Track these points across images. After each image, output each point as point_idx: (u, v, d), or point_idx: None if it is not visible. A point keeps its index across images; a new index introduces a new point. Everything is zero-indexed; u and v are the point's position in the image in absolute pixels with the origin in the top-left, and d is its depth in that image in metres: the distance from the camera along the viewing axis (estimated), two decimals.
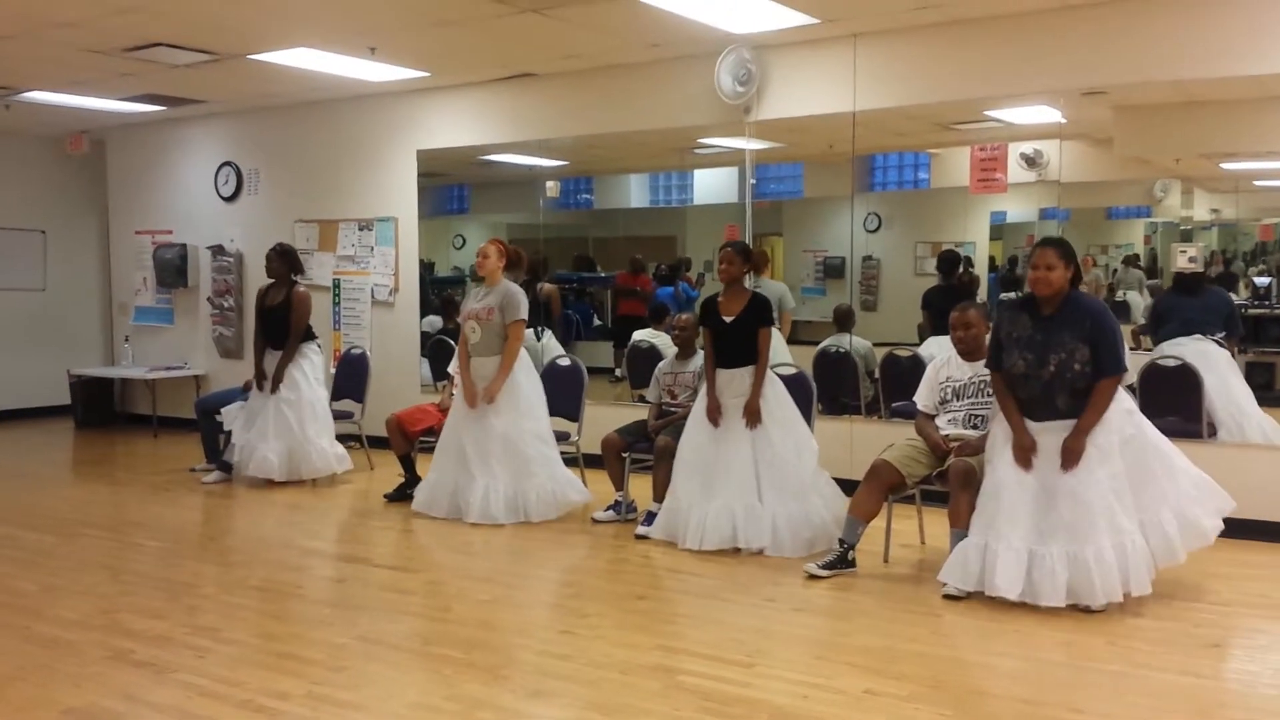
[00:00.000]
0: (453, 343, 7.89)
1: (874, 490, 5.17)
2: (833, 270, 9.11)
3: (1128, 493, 4.60)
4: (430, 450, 7.03)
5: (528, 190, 9.00)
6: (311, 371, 7.58)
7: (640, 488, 6.45)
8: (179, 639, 4.39)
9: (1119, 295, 7.91)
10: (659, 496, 6.08)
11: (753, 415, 5.64)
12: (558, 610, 5.02)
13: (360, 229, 9.30)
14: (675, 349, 6.54)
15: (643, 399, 7.09)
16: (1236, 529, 5.75)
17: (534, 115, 8.27)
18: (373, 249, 9.23)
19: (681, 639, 4.37)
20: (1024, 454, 4.67)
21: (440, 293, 9.90)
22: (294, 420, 7.45)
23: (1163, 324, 6.68)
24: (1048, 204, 7.12)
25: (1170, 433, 6.06)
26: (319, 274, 9.48)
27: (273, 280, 7.64)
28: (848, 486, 5.55)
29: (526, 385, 6.46)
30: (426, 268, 9.56)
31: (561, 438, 6.74)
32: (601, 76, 7.86)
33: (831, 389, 7.28)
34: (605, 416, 7.11)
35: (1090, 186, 7.38)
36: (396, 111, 8.95)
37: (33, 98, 8.86)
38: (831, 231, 8.95)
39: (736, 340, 5.73)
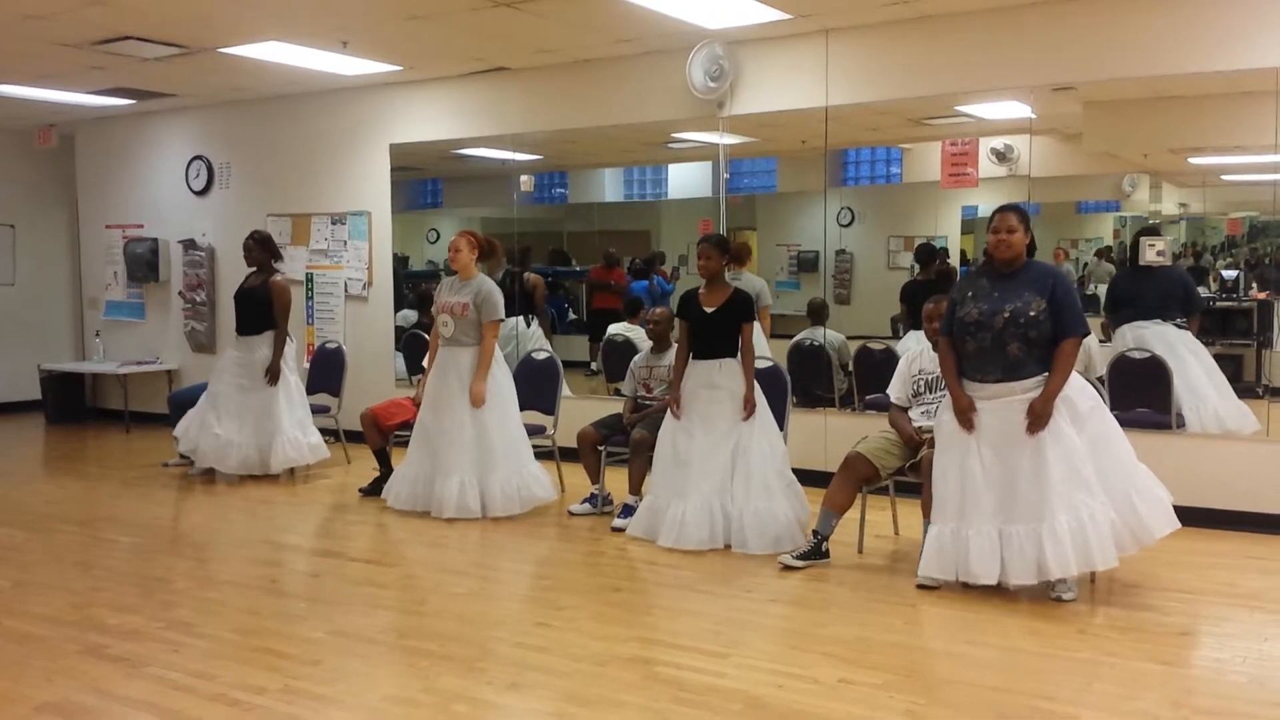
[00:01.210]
0: (427, 336, 7.87)
1: (848, 482, 5.21)
2: (806, 264, 9.15)
3: (1088, 464, 4.53)
4: (405, 444, 7.02)
5: (501, 184, 8.98)
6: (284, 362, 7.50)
7: (616, 481, 6.47)
8: (152, 634, 4.37)
9: (1090, 289, 7.98)
10: (634, 489, 6.11)
11: (751, 405, 5.61)
12: (534, 603, 5.03)
13: (333, 223, 9.26)
14: (650, 343, 6.57)
15: (618, 392, 7.12)
16: (1204, 518, 5.85)
17: (507, 110, 8.26)
18: (346, 243, 9.19)
19: (657, 630, 4.39)
20: (964, 416, 4.65)
21: (415, 287, 9.87)
22: (265, 411, 7.38)
23: (1119, 307, 6.71)
24: (1018, 198, 7.16)
25: (1140, 424, 6.16)
26: (292, 268, 9.42)
27: (253, 269, 7.59)
28: (822, 479, 5.58)
29: (498, 380, 6.38)
30: (400, 262, 9.53)
31: (537, 431, 6.75)
32: (575, 71, 7.86)
33: (806, 382, 7.32)
34: (581, 410, 7.12)
35: (1060, 181, 7.45)
36: (369, 105, 8.92)
37: (0, 90, 8.77)
38: (805, 226, 9.00)
39: (716, 331, 5.69)
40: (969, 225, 8.27)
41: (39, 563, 5.57)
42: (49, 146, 10.74)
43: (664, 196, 10.07)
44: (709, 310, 5.71)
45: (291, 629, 4.46)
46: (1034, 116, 6.67)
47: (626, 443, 6.18)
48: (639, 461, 6.08)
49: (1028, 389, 4.55)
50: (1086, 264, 8.21)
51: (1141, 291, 6.61)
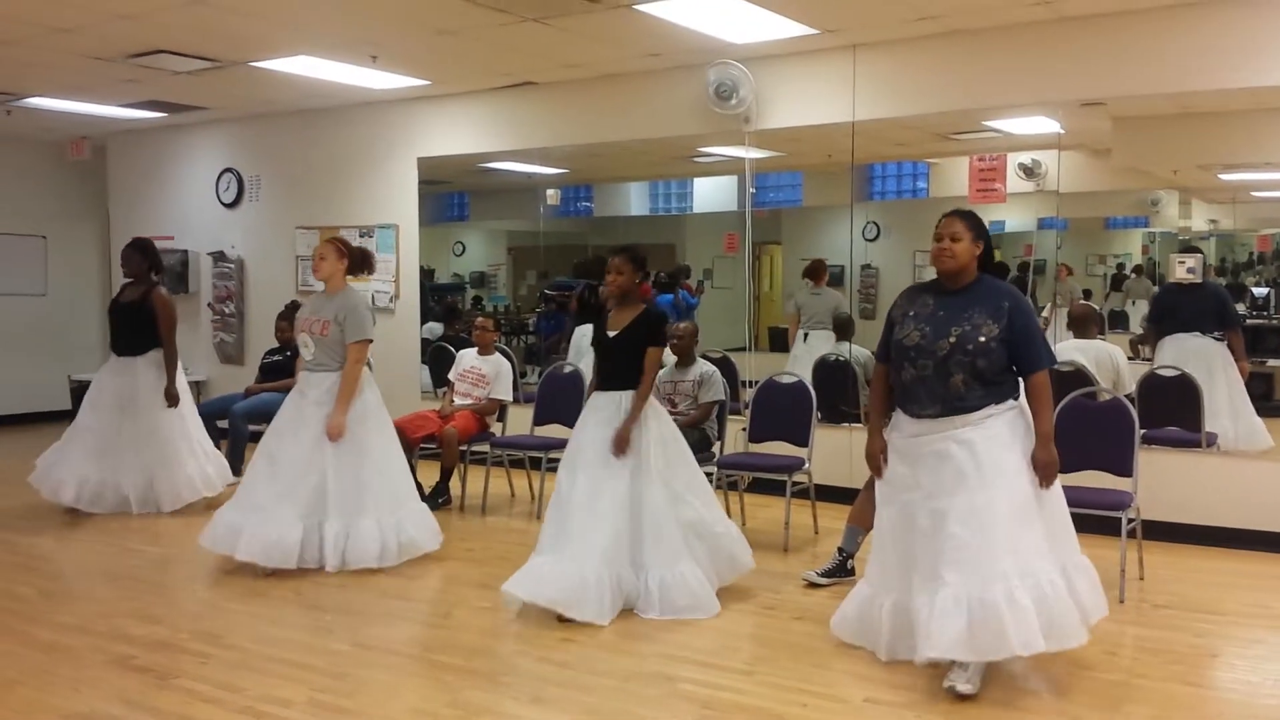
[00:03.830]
0: (453, 350, 7.91)
1: (873, 499, 5.16)
2: (832, 279, 9.13)
3: (1037, 520, 3.82)
4: (433, 457, 7.06)
5: (528, 198, 9.01)
6: (162, 386, 6.76)
7: None
8: (179, 645, 4.40)
9: (1129, 304, 7.95)
10: None
11: (620, 443, 4.70)
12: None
13: (361, 236, 9.31)
14: (674, 357, 6.56)
15: None
16: (1236, 539, 5.79)
17: (534, 124, 8.30)
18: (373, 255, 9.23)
19: (681, 647, 4.38)
20: (872, 460, 4.12)
21: (441, 300, 9.91)
22: (155, 441, 6.67)
23: (1163, 320, 6.77)
24: (1046, 214, 7.15)
25: (1170, 443, 6.11)
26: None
27: (129, 280, 6.93)
28: (846, 495, 5.55)
29: (368, 408, 5.58)
30: (427, 275, 9.58)
31: (559, 445, 6.73)
32: (601, 85, 7.89)
33: (831, 397, 7.30)
34: None
35: (1088, 197, 7.41)
36: (398, 119, 8.97)
37: (34, 103, 8.89)
38: (830, 240, 8.96)
39: (618, 358, 4.88)
40: (996, 240, 8.20)
41: (66, 573, 5.63)
42: (81, 158, 10.88)
43: (689, 210, 10.08)
44: (611, 334, 4.92)
45: (317, 641, 4.48)
46: (1062, 132, 6.64)
47: None
48: None
49: (968, 425, 3.83)
50: (1125, 280, 8.15)
51: (1183, 306, 6.68)
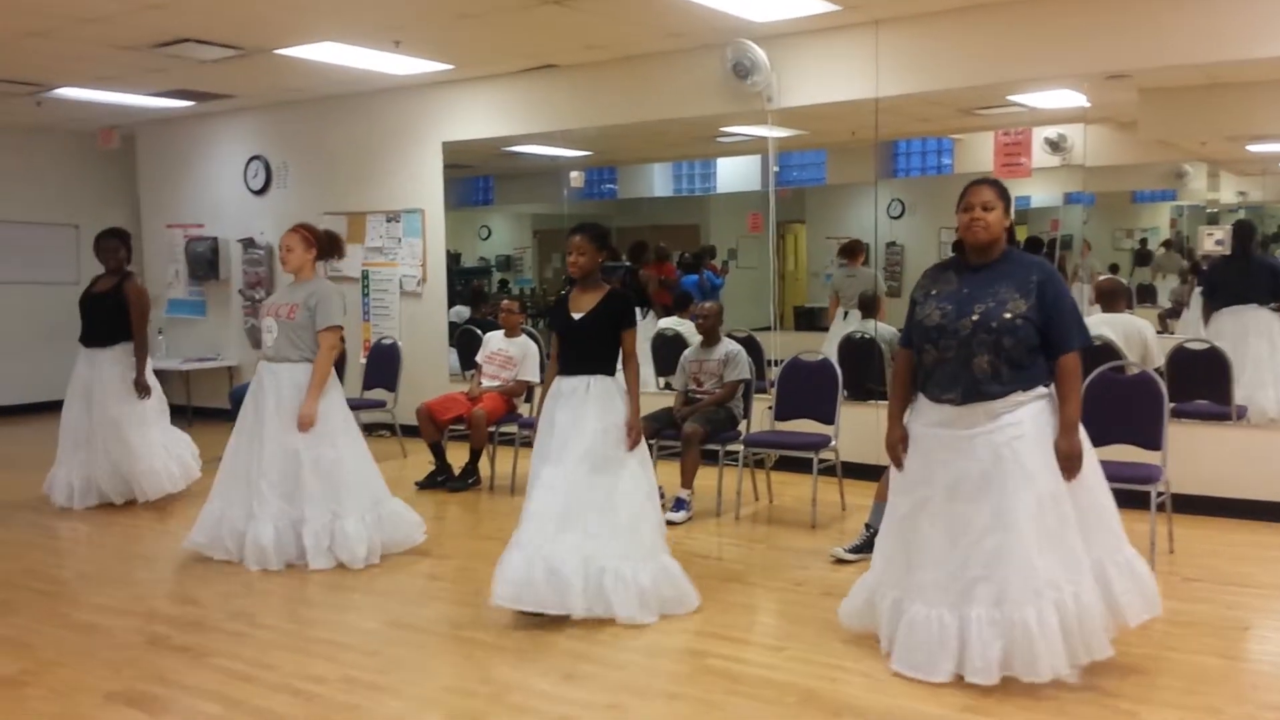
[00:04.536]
0: (480, 333, 7.96)
1: None
2: (843, 251, 9.10)
3: (1072, 523, 3.57)
4: (462, 438, 7.12)
5: (552, 180, 9.03)
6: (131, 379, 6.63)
7: (667, 474, 6.49)
8: (214, 624, 4.47)
9: (1159, 278, 7.89)
10: (687, 483, 6.14)
11: (636, 434, 4.50)
12: None
13: (388, 221, 9.38)
14: (699, 337, 6.58)
15: (669, 387, 7.14)
16: (1266, 511, 5.75)
17: (557, 106, 8.31)
18: (400, 240, 9.30)
19: (710, 623, 4.41)
20: (893, 450, 3.86)
21: (467, 283, 9.97)
22: (123, 433, 6.54)
23: (1216, 293, 6.76)
24: (1072, 188, 7.10)
25: (1199, 416, 6.08)
26: (348, 265, 9.57)
27: (103, 272, 6.74)
28: (873, 472, 5.56)
29: (336, 404, 5.36)
30: (453, 258, 9.63)
31: None
32: (623, 67, 7.88)
33: (857, 375, 7.29)
34: None
35: (1115, 170, 7.35)
36: (422, 104, 9.01)
37: (64, 94, 8.98)
38: (855, 218, 8.94)
39: (585, 342, 4.60)
40: (1022, 216, 8.18)
41: (102, 555, 5.72)
42: (111, 148, 10.99)
43: (713, 191, 10.08)
44: (576, 316, 4.64)
45: (349, 620, 4.54)
46: (1088, 105, 6.58)
47: (678, 436, 6.20)
48: (691, 455, 6.10)
49: (994, 414, 3.58)
50: (1143, 255, 8.08)
51: (1235, 278, 6.69)
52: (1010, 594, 3.50)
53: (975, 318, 3.59)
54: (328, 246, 5.53)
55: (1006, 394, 3.57)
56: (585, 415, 4.46)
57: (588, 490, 4.38)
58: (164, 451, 6.72)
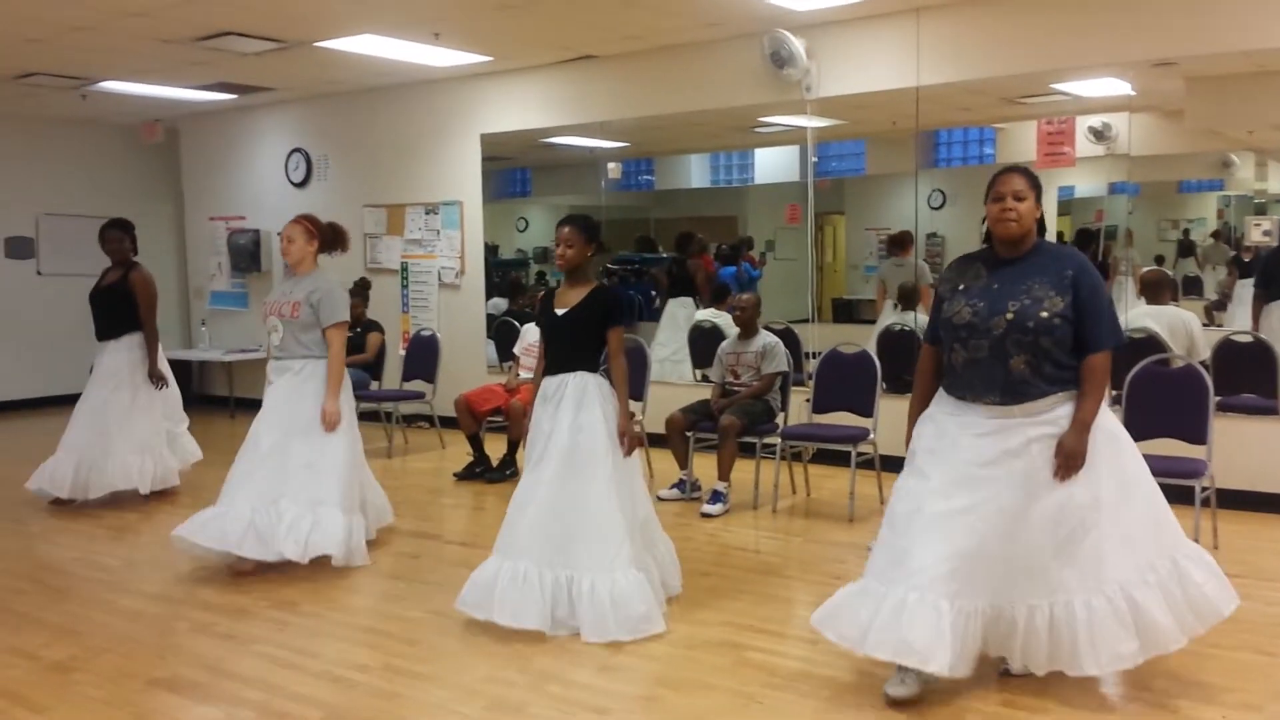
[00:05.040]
0: (518, 324, 8.00)
1: None
2: (892, 244, 9.05)
3: (1101, 514, 3.40)
4: (500, 430, 7.16)
5: (589, 172, 9.04)
6: (132, 371, 6.50)
7: (704, 467, 6.50)
8: (258, 612, 4.53)
9: (1207, 269, 7.78)
10: (724, 475, 6.14)
11: (631, 440, 4.32)
12: None
13: (427, 213, 9.43)
14: (737, 329, 6.57)
15: (706, 378, 7.14)
16: None
17: (595, 97, 8.31)
18: (439, 232, 9.35)
19: (747, 616, 4.41)
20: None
21: (505, 275, 10.00)
22: (99, 424, 6.41)
23: (1270, 285, 6.62)
24: (1117, 178, 7.01)
25: (1244, 409, 5.99)
26: (387, 257, 9.66)
27: (111, 264, 6.62)
28: None
29: (313, 401, 5.16)
30: (491, 250, 9.67)
31: None
32: (661, 57, 7.87)
33: (896, 368, 7.24)
34: (669, 396, 7.15)
35: (1161, 160, 7.25)
36: (460, 96, 9.04)
37: (108, 88, 9.10)
38: (895, 209, 8.87)
39: (569, 339, 4.38)
40: (1065, 206, 8.10)
41: (149, 543, 5.80)
42: (155, 141, 11.14)
43: (751, 182, 10.04)
44: (560, 312, 4.42)
45: (391, 609, 4.59)
46: (1133, 93, 6.49)
47: (715, 428, 6.20)
48: (727, 447, 6.10)
49: (1035, 415, 3.39)
50: (1187, 246, 7.97)
51: None
52: (1025, 592, 3.39)
53: (1010, 316, 3.37)
54: (330, 239, 5.40)
55: (1047, 394, 3.38)
56: (560, 414, 4.28)
57: (558, 493, 4.19)
58: (141, 447, 6.49)
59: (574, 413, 4.27)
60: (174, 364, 10.70)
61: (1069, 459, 3.36)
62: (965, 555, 3.35)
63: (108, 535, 5.97)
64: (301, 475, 5.03)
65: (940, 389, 3.61)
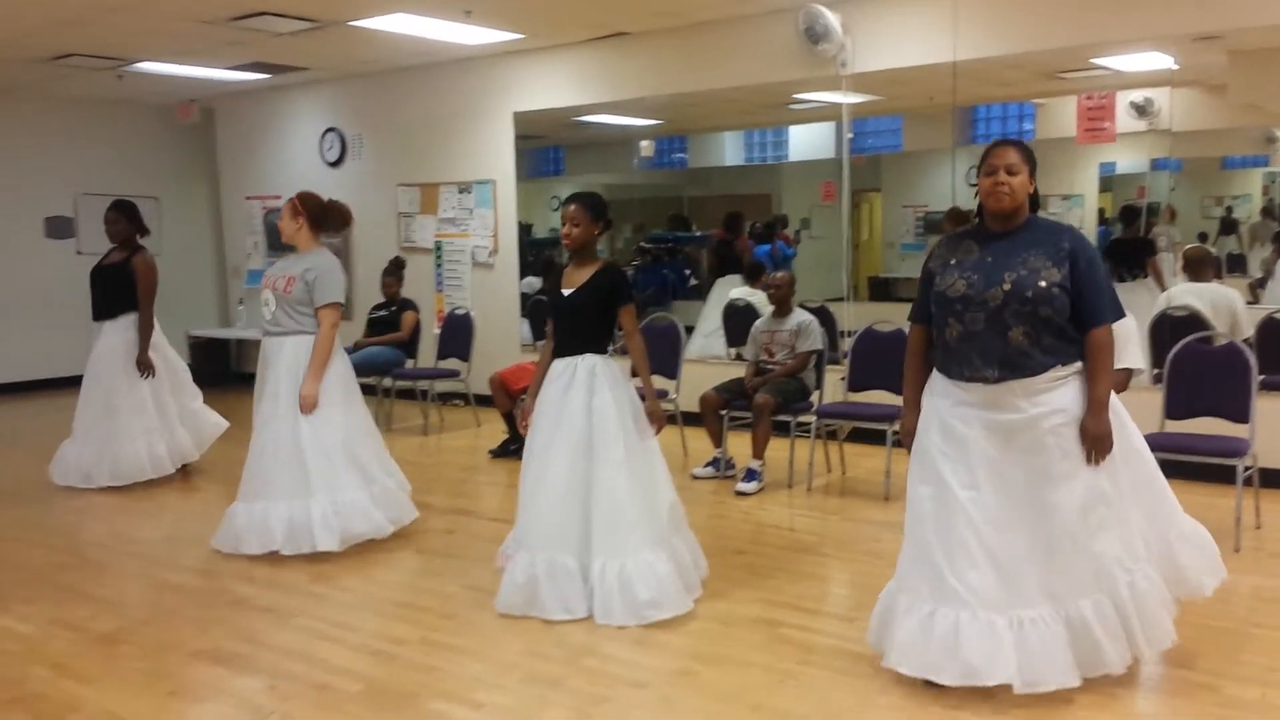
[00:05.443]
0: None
1: None
2: (933, 226, 8.94)
3: (1124, 506, 3.35)
4: None
5: (622, 150, 9.02)
6: (129, 352, 6.42)
7: (739, 445, 6.49)
8: (297, 586, 4.58)
9: (1253, 246, 7.65)
10: (758, 453, 6.13)
11: (658, 419, 4.28)
12: None
13: (460, 192, 9.44)
14: (771, 307, 6.54)
15: (740, 357, 7.11)
16: None
17: (628, 75, 8.27)
18: (472, 211, 9.36)
19: (782, 593, 4.41)
20: (911, 439, 3.54)
21: (538, 254, 10.00)
22: (106, 416, 6.40)
23: None
24: (1159, 154, 6.91)
25: None
26: (421, 237, 9.69)
27: (114, 245, 6.54)
28: None
29: (339, 377, 5.13)
30: (524, 229, 9.67)
31: (659, 395, 6.78)
32: (694, 33, 7.82)
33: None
34: (703, 374, 7.14)
35: (1204, 135, 7.12)
36: (493, 74, 9.03)
37: (144, 68, 9.15)
38: (932, 186, 8.79)
39: (577, 319, 4.30)
40: (1106, 183, 7.98)
41: (188, 518, 5.88)
42: (190, 121, 11.22)
43: (785, 159, 9.96)
44: (567, 293, 4.33)
45: (427, 584, 4.62)
46: (1176, 67, 6.38)
47: (749, 407, 6.18)
48: (762, 426, 6.09)
49: (1033, 392, 3.29)
50: (1230, 224, 7.84)
51: None
52: (1065, 591, 3.28)
53: (1007, 287, 3.27)
54: (318, 216, 5.22)
55: (1049, 366, 3.28)
56: (570, 398, 4.18)
57: (573, 479, 4.12)
58: (144, 439, 6.45)
59: (586, 396, 4.18)
60: (212, 342, 11.04)
61: (1097, 442, 3.27)
62: (1000, 565, 3.28)
63: (147, 511, 6.04)
64: (320, 463, 4.96)
65: (934, 370, 3.50)
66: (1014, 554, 3.29)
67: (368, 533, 5.03)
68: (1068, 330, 3.31)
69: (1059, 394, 3.30)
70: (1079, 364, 3.34)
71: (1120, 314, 3.47)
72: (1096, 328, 3.31)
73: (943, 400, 3.42)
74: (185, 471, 6.77)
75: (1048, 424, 3.28)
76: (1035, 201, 3.45)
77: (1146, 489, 3.48)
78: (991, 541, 3.29)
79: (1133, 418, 3.57)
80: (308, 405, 4.92)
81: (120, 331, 6.40)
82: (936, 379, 3.48)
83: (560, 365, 4.28)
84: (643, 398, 4.33)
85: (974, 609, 3.26)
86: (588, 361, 4.23)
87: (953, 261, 3.43)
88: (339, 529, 4.93)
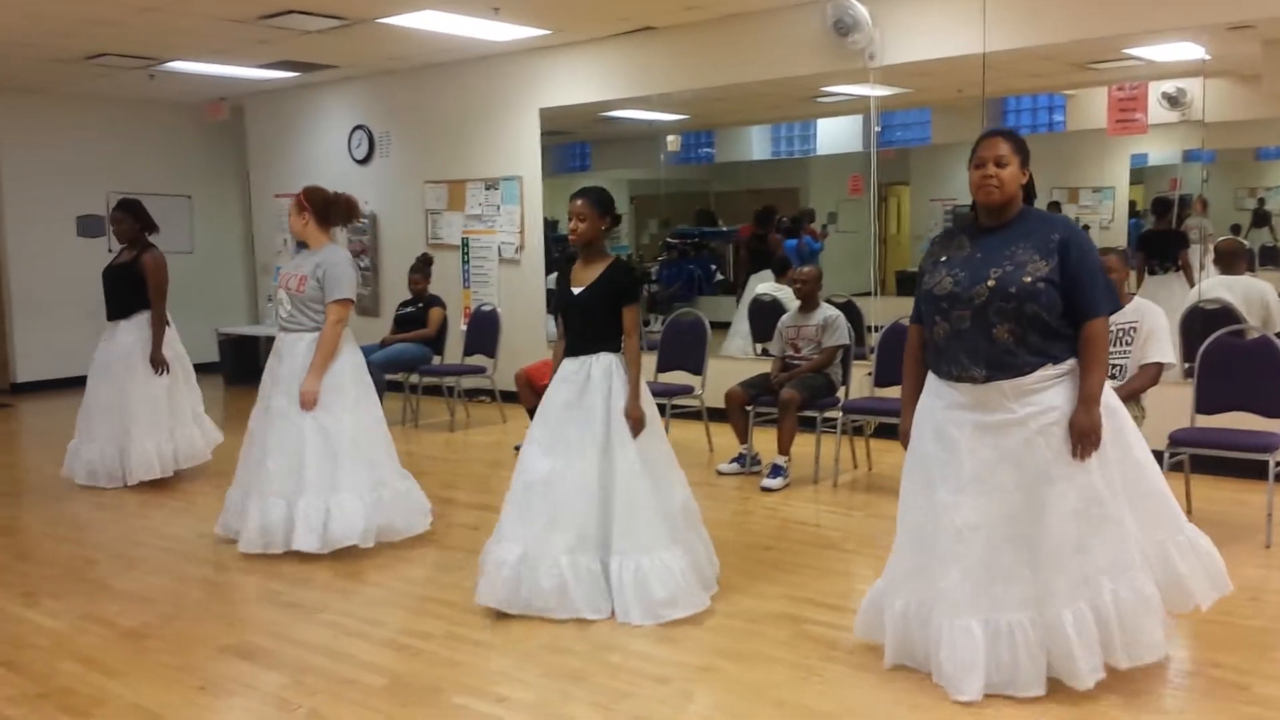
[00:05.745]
0: None
1: None
2: (962, 220, 8.90)
3: (1117, 512, 3.24)
4: None
5: (648, 145, 9.00)
6: (143, 351, 6.39)
7: (764, 441, 6.47)
8: (324, 582, 4.61)
9: None
10: (783, 449, 6.10)
11: (636, 422, 4.11)
12: None
13: (487, 188, 9.47)
14: (797, 302, 6.52)
15: (766, 352, 7.09)
16: None
17: (654, 69, 8.26)
18: (499, 208, 9.39)
19: (807, 589, 4.39)
20: (908, 439, 3.50)
21: (564, 250, 10.00)
22: (124, 408, 6.36)
23: None
24: (1192, 145, 6.82)
25: None
26: (448, 233, 9.73)
27: (124, 245, 6.52)
28: None
29: (344, 374, 5.03)
30: (550, 226, 9.69)
31: (684, 391, 6.78)
32: (721, 27, 7.79)
33: None
34: (728, 370, 7.13)
35: (1237, 126, 7.02)
36: (519, 71, 9.05)
37: (175, 68, 9.24)
38: (961, 179, 8.68)
39: (587, 318, 4.21)
40: (1138, 174, 7.90)
41: (217, 514, 5.91)
42: (220, 119, 11.32)
43: (813, 153, 9.93)
44: (576, 291, 4.25)
45: (452, 579, 4.63)
46: (1208, 58, 6.30)
47: (774, 403, 6.16)
48: (788, 421, 6.07)
49: (1022, 393, 3.20)
50: (1262, 216, 7.74)
51: None
52: (1048, 596, 3.19)
53: (991, 284, 3.19)
54: (324, 210, 5.17)
55: (1038, 366, 3.19)
56: (588, 401, 4.12)
57: (595, 481, 4.06)
58: (153, 437, 6.42)
59: (604, 400, 4.11)
60: (242, 339, 11.13)
61: (1084, 436, 3.17)
62: (987, 569, 3.22)
63: (177, 507, 6.10)
64: (322, 463, 4.90)
65: (929, 375, 3.44)
66: (998, 560, 3.22)
67: (351, 539, 4.87)
68: (1058, 327, 3.22)
69: (1050, 393, 3.22)
70: (1072, 361, 3.25)
71: (1116, 306, 3.39)
72: (1091, 320, 3.22)
73: (936, 400, 3.38)
74: (220, 471, 6.79)
75: (1037, 424, 3.20)
76: (1030, 193, 3.38)
77: (1145, 498, 3.36)
78: (974, 547, 3.23)
79: (1163, 412, 3.50)
80: (307, 402, 4.89)
81: (134, 330, 6.41)
82: (931, 379, 3.43)
83: (573, 365, 4.21)
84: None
85: (951, 617, 3.25)
86: (602, 361, 4.17)
87: (943, 259, 3.37)
88: (320, 529, 4.83)
